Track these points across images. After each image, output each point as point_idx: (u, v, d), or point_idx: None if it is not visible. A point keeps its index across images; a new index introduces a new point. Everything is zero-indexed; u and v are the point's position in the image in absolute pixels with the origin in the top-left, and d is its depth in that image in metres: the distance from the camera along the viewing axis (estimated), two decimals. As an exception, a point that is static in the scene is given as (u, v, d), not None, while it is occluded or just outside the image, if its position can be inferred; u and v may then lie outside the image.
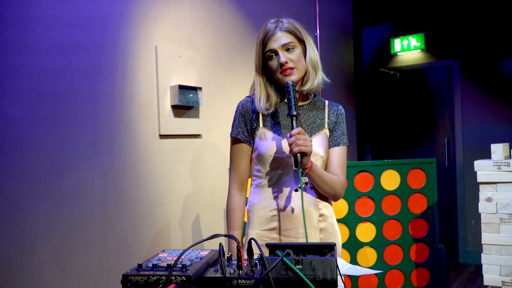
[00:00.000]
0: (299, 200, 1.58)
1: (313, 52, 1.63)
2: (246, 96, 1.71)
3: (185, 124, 2.55)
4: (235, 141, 1.68)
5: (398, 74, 5.56)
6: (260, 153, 1.62)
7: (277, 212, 1.61)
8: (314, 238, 1.63)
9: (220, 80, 2.86)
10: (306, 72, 1.63)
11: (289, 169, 1.60)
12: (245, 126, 1.65)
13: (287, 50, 1.57)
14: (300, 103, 1.68)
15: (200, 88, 2.57)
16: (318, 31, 3.87)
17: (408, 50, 5.32)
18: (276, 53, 1.57)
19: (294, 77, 1.58)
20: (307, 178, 1.51)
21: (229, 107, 2.84)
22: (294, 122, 1.49)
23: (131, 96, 2.28)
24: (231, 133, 1.68)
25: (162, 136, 2.43)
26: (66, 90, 1.98)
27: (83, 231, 2.03)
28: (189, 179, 2.61)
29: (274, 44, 1.56)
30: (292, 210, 1.60)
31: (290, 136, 1.45)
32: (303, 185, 1.49)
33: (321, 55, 3.87)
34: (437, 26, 5.13)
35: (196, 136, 2.66)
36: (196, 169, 2.66)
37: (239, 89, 2.96)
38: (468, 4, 4.86)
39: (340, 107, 1.73)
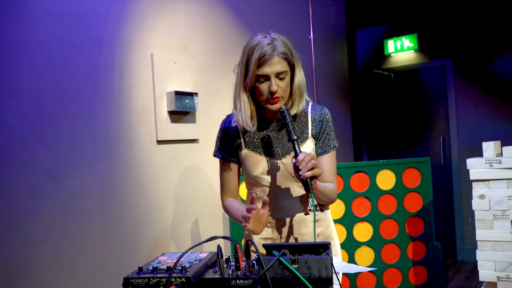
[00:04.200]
0: (292, 211, 1.64)
1: (300, 76, 1.59)
2: (227, 116, 1.75)
3: (182, 130, 2.58)
4: (220, 161, 1.74)
5: (392, 75, 5.60)
6: (247, 174, 1.67)
7: (274, 223, 1.65)
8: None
9: (216, 85, 2.89)
10: (291, 97, 1.61)
11: (277, 184, 1.63)
12: (228, 145, 1.70)
13: (279, 76, 1.53)
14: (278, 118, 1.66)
15: (196, 94, 2.60)
16: (312, 34, 3.92)
17: (402, 51, 5.36)
18: (268, 78, 1.53)
19: (279, 105, 1.56)
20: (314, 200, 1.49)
21: (225, 112, 2.83)
22: (296, 146, 1.47)
23: (128, 102, 2.31)
24: (216, 154, 1.74)
25: (160, 142, 2.46)
26: (66, 89, 2.02)
27: (83, 237, 2.05)
28: (187, 184, 2.64)
29: (269, 70, 1.51)
30: (285, 222, 1.64)
31: (297, 162, 1.43)
32: (311, 208, 1.50)
33: (315, 58, 3.93)
34: (430, 27, 5.17)
35: (193, 141, 2.69)
36: (194, 174, 2.69)
37: (235, 94, 2.99)
38: (459, 4, 4.91)
39: (325, 110, 1.68)
